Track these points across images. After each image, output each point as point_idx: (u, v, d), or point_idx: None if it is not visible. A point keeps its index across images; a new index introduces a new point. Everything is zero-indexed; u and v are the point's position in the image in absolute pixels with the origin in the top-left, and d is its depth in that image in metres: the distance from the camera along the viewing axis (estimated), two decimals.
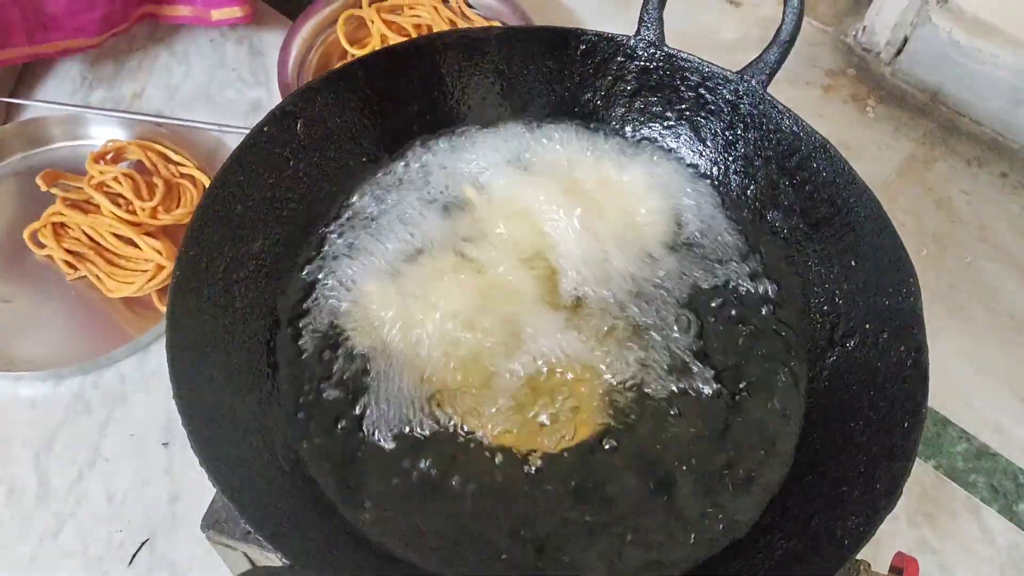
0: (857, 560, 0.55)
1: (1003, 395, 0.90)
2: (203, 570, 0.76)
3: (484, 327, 0.62)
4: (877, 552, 0.74)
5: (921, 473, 0.83)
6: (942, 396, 0.89)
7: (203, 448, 0.48)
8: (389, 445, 0.58)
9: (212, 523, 0.58)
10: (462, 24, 1.05)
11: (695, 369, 0.62)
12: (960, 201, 1.05)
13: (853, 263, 0.64)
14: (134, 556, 0.78)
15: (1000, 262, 1.00)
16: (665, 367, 0.62)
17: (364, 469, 0.57)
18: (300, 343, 0.61)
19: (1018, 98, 1.07)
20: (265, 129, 0.63)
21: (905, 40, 1.14)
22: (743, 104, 0.70)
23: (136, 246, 0.89)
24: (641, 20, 0.71)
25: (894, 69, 1.17)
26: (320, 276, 0.64)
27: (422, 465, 0.57)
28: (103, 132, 1.00)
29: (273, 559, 0.59)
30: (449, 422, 0.59)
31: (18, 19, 0.96)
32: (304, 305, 0.63)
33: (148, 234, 0.90)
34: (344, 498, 0.55)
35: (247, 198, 0.62)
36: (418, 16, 1.06)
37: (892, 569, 0.57)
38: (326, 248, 0.66)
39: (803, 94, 1.15)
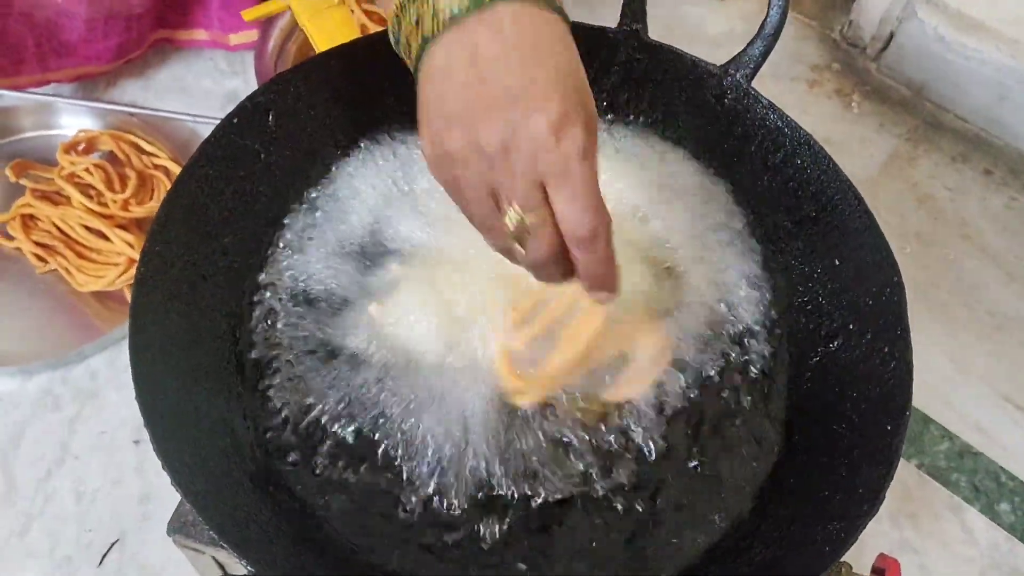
0: (839, 562, 0.54)
1: (985, 394, 0.89)
2: (174, 572, 0.75)
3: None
4: (859, 553, 0.73)
5: (904, 472, 0.83)
6: (924, 395, 0.88)
7: (166, 450, 0.47)
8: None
9: (179, 527, 0.56)
10: None
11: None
12: (943, 198, 1.05)
13: (837, 262, 0.63)
14: (104, 557, 0.76)
15: (983, 260, 0.99)
16: None
17: (332, 473, 0.56)
18: (268, 342, 0.60)
19: (1003, 94, 1.06)
20: (235, 121, 0.61)
21: (891, 35, 1.13)
22: (727, 98, 0.69)
23: (107, 239, 0.87)
24: (623, 12, 0.70)
25: (879, 64, 1.16)
26: (290, 273, 0.63)
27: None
28: (75, 122, 0.98)
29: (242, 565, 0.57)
30: None
31: (32, 47, 0.95)
32: (274, 303, 0.62)
33: (120, 227, 0.88)
34: (311, 502, 0.54)
35: (216, 192, 0.60)
36: None
37: (874, 570, 0.57)
38: (295, 243, 0.64)
39: (788, 89, 1.14)
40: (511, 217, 0.45)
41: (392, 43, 0.50)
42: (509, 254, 0.49)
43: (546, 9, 0.45)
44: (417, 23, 0.46)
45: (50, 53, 0.96)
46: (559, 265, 0.47)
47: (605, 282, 0.48)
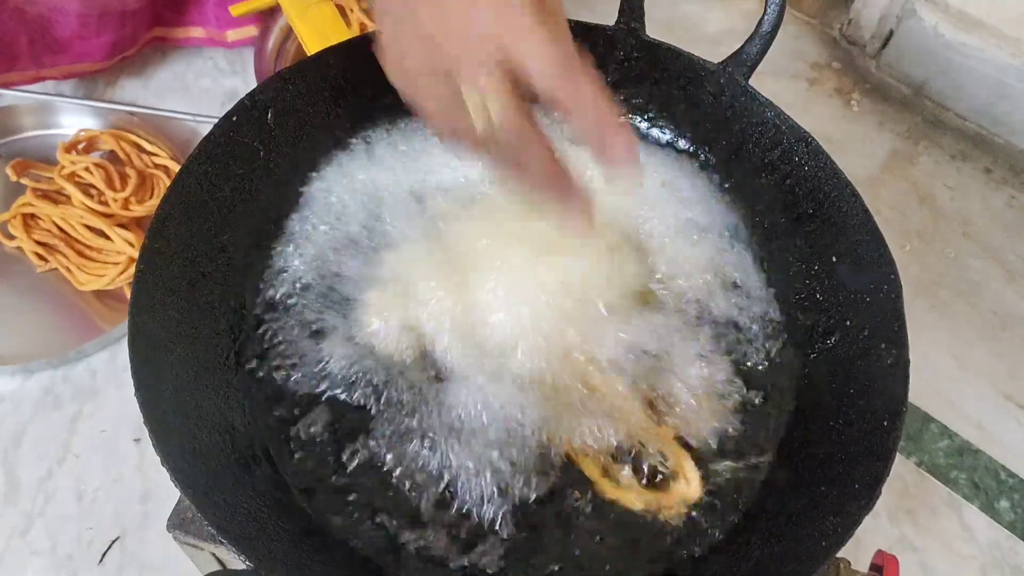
0: (837, 558, 0.54)
1: (986, 392, 0.89)
2: (175, 569, 0.75)
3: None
4: (858, 550, 0.73)
5: (903, 470, 0.83)
6: (924, 392, 0.88)
7: (165, 447, 0.47)
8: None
9: (178, 523, 0.56)
10: None
11: None
12: (944, 196, 1.05)
13: (834, 259, 0.63)
14: (104, 555, 0.76)
15: (983, 258, 0.99)
16: None
17: (332, 470, 0.56)
18: (268, 339, 0.60)
19: (1002, 92, 1.06)
20: (234, 119, 0.62)
21: (890, 33, 1.13)
22: (724, 96, 0.69)
23: (108, 238, 0.87)
24: (621, 10, 0.70)
25: (879, 63, 1.16)
26: (290, 269, 0.63)
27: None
28: (75, 121, 0.98)
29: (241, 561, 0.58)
30: None
31: (25, 44, 0.94)
32: (273, 299, 0.62)
33: (120, 225, 0.88)
34: (311, 498, 0.54)
35: (215, 189, 0.60)
36: None
37: (872, 567, 0.57)
38: (294, 239, 0.64)
39: (788, 87, 1.14)
40: (471, 106, 0.44)
41: None
42: (481, 148, 0.47)
43: None
44: None
45: (43, 50, 0.95)
46: (531, 148, 0.45)
47: (606, 128, 0.45)
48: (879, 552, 0.57)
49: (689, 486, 0.57)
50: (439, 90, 0.45)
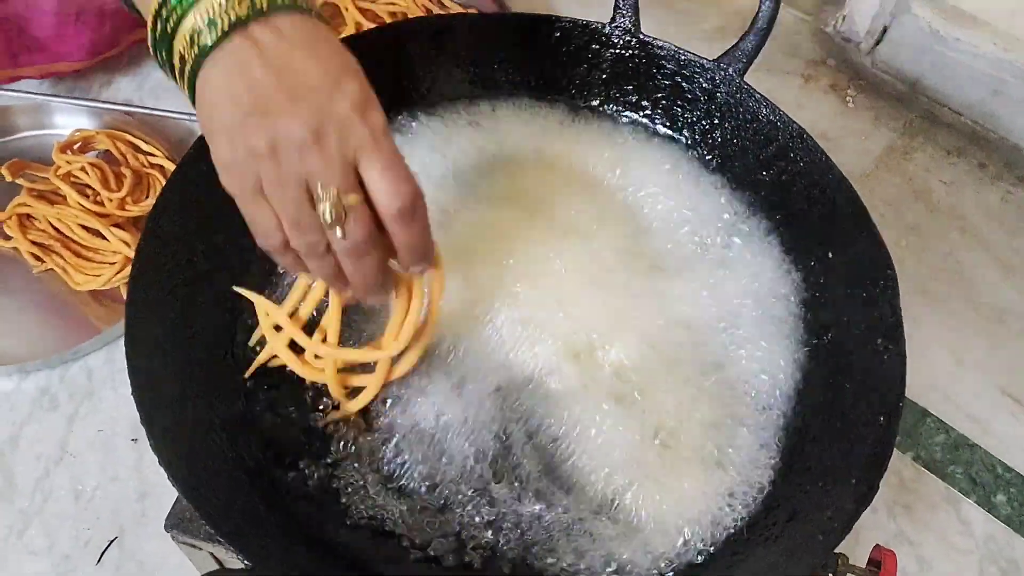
0: (835, 553, 0.54)
1: (982, 386, 0.89)
2: (172, 568, 0.75)
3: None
4: (856, 545, 0.73)
5: (900, 465, 0.83)
6: (921, 387, 0.88)
7: (162, 446, 0.47)
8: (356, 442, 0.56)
9: (176, 522, 0.56)
10: (438, 12, 1.04)
11: None
12: (939, 192, 1.05)
13: (831, 255, 0.63)
14: (102, 554, 0.76)
15: (979, 253, 0.99)
16: None
17: (329, 469, 0.56)
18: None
19: (997, 88, 1.06)
20: None
21: (885, 29, 1.13)
22: (720, 93, 0.69)
23: (104, 238, 0.87)
24: (616, 7, 0.70)
25: (874, 59, 1.16)
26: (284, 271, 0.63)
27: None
28: (70, 121, 0.97)
29: (239, 560, 0.58)
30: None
31: (2, 42, 0.94)
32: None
33: (116, 225, 0.88)
34: (307, 498, 0.54)
35: (210, 188, 0.60)
36: (393, 3, 1.04)
37: (870, 562, 0.57)
38: None
39: (783, 84, 1.14)
40: (326, 205, 0.45)
41: (151, 50, 0.48)
42: (318, 256, 0.48)
43: (313, 17, 0.47)
44: (191, 38, 0.45)
45: (20, 49, 0.95)
46: (376, 252, 0.47)
47: (425, 253, 0.50)
48: (877, 547, 0.57)
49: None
50: (284, 200, 0.46)
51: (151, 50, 0.47)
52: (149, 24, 0.46)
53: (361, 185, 0.46)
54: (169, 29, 0.45)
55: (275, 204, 0.46)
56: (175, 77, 0.47)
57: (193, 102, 0.47)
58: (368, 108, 0.46)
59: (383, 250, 0.48)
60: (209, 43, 0.44)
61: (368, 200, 0.46)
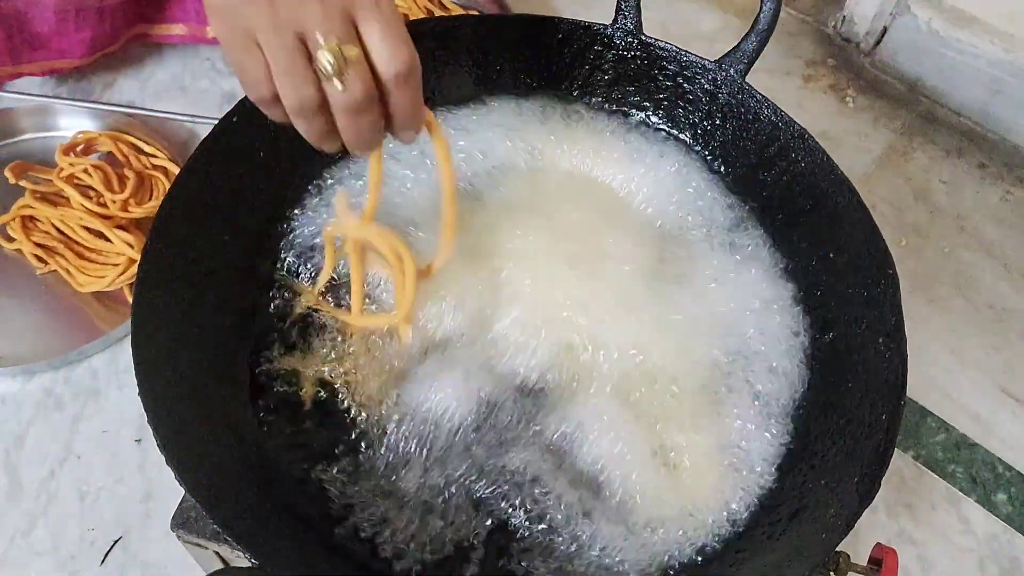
0: (836, 552, 0.55)
1: (982, 385, 0.90)
2: (177, 569, 0.75)
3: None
4: (857, 543, 0.74)
5: (900, 464, 0.83)
6: (921, 386, 0.88)
7: (168, 445, 0.47)
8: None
9: (182, 522, 0.57)
10: (440, 13, 1.04)
11: None
12: (939, 191, 1.05)
13: (832, 255, 0.63)
14: (107, 555, 0.76)
15: (979, 252, 1.00)
16: None
17: (336, 466, 0.56)
18: (272, 337, 0.60)
19: (996, 88, 1.07)
20: (234, 119, 0.62)
21: (884, 30, 1.13)
22: (721, 93, 0.69)
23: (107, 239, 0.87)
24: (618, 9, 0.70)
25: (874, 59, 1.16)
26: (291, 268, 0.63)
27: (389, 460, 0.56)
28: (73, 123, 0.98)
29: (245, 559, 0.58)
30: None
31: (3, 39, 0.94)
32: (278, 298, 0.62)
33: (119, 227, 0.88)
34: (314, 496, 0.55)
35: (216, 189, 0.60)
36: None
37: (871, 561, 0.57)
38: (296, 239, 0.64)
39: (783, 84, 1.14)
40: (325, 56, 0.43)
41: None
42: (310, 112, 0.46)
43: None
44: None
45: (22, 46, 0.95)
46: (372, 110, 0.46)
47: (417, 118, 0.49)
48: (878, 545, 0.57)
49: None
50: (278, 48, 0.44)
51: None
52: None
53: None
54: None
55: (266, 51, 0.44)
56: None
57: None
58: None
59: (379, 108, 0.47)
60: None
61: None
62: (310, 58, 0.44)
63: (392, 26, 0.44)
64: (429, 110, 0.51)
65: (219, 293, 0.60)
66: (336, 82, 0.44)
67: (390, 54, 0.44)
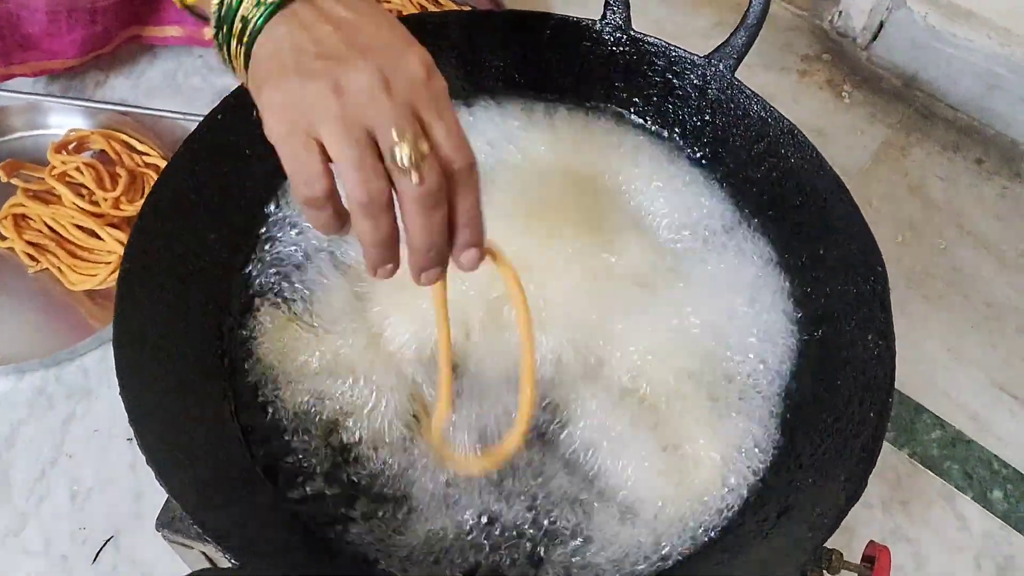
0: (829, 549, 0.55)
1: (978, 382, 0.89)
2: (168, 568, 0.75)
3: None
4: (851, 541, 0.73)
5: (895, 461, 0.83)
6: (917, 383, 0.88)
7: (149, 444, 0.47)
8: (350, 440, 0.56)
9: (167, 521, 0.56)
10: (433, 9, 1.04)
11: None
12: (936, 187, 1.04)
13: (821, 251, 0.63)
14: (98, 554, 0.76)
15: (976, 248, 0.99)
16: None
17: (319, 468, 0.56)
18: (255, 335, 0.60)
19: (993, 83, 1.06)
20: (220, 117, 0.61)
21: (881, 25, 1.13)
22: (710, 89, 0.69)
23: (99, 237, 0.87)
24: (607, 3, 0.70)
25: (870, 54, 1.16)
26: (275, 266, 0.63)
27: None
28: (65, 121, 0.97)
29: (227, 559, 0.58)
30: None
31: None
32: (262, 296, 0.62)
33: (111, 225, 0.88)
34: (297, 496, 0.54)
35: (201, 187, 0.60)
36: (387, 1, 1.04)
37: (864, 558, 0.57)
38: (280, 237, 0.64)
39: (778, 79, 1.14)
40: (403, 150, 0.43)
41: (214, 27, 0.49)
42: (378, 208, 0.45)
43: None
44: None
45: (13, 47, 0.95)
46: (444, 205, 0.45)
47: (479, 225, 0.47)
48: (871, 543, 0.57)
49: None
50: (348, 143, 0.44)
51: (213, 28, 0.48)
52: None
53: None
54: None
55: (333, 147, 0.43)
56: (231, 45, 0.47)
57: (246, 68, 0.46)
58: (434, 73, 0.45)
59: (447, 208, 0.46)
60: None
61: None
62: (379, 153, 0.44)
63: (455, 122, 0.45)
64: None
65: (204, 290, 0.60)
66: (414, 175, 0.43)
67: (457, 149, 0.44)
